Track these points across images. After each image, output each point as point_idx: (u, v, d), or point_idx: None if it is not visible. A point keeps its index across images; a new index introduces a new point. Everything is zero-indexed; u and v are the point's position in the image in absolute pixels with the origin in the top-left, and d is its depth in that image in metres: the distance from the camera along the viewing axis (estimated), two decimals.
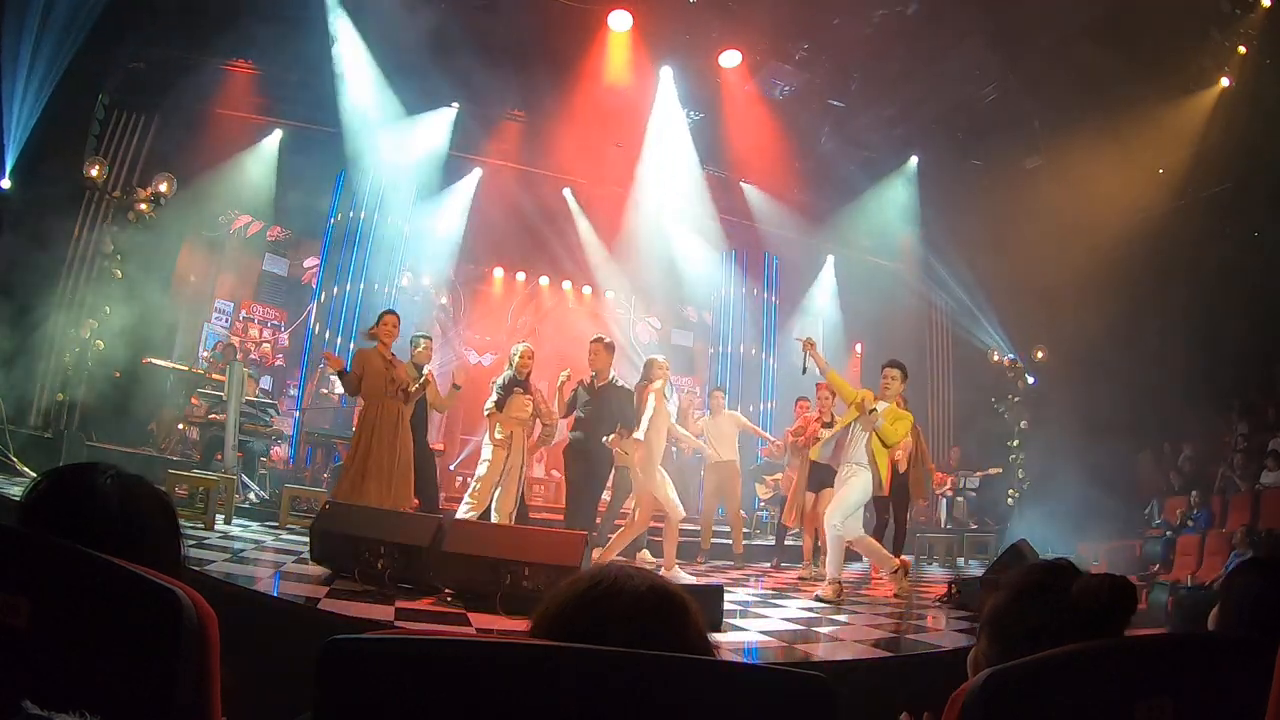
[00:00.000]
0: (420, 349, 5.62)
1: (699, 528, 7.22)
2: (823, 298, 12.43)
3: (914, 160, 11.14)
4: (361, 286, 9.77)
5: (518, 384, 5.66)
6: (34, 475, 1.20)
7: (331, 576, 3.74)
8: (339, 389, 8.31)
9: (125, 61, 8.32)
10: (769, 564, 7.23)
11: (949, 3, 8.38)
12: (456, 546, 3.61)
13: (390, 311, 5.54)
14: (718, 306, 12.23)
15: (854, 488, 4.87)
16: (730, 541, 7.09)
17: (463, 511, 5.39)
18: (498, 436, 5.55)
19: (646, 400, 5.28)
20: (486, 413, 5.65)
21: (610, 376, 5.63)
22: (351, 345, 9.17)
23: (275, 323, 11.21)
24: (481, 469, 5.53)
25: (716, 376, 11.68)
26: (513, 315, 12.58)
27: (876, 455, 4.86)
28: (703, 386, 12.45)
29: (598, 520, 5.95)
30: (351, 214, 9.95)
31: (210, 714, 0.91)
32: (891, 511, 6.88)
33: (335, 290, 9.80)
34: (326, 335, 9.63)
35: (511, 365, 5.73)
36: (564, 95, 9.73)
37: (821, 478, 6.41)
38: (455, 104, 9.93)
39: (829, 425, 6.53)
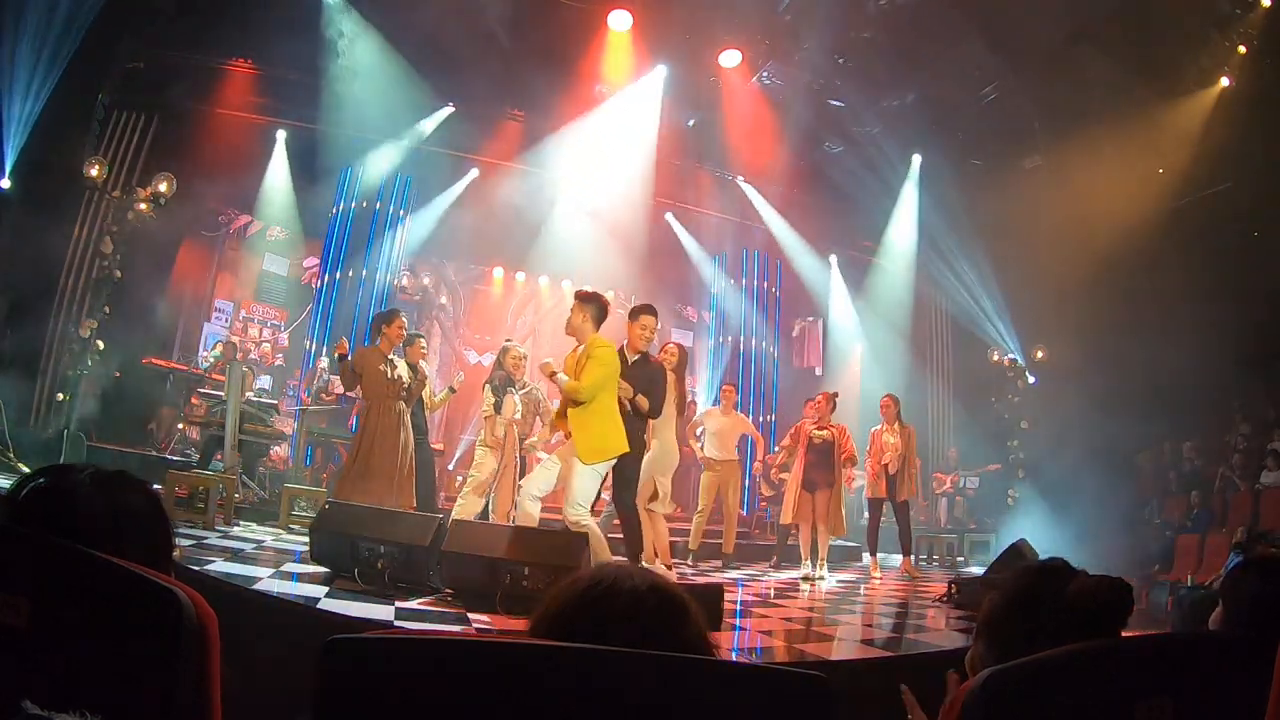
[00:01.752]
0: (414, 347, 5.64)
1: (690, 526, 7.17)
2: (822, 297, 12.42)
3: (914, 160, 11.14)
4: (361, 286, 9.77)
5: (510, 385, 5.66)
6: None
7: (331, 576, 3.74)
8: (338, 388, 8.31)
9: (125, 61, 8.32)
10: (769, 564, 7.24)
11: (950, 3, 8.38)
12: (456, 546, 3.61)
13: (401, 315, 5.54)
14: (718, 306, 12.22)
15: (550, 467, 4.32)
16: (720, 541, 7.09)
17: (455, 515, 5.38)
18: (492, 439, 5.54)
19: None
20: (485, 415, 5.65)
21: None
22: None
23: (275, 323, 11.21)
24: (474, 473, 5.52)
25: (718, 377, 11.67)
26: (513, 315, 12.58)
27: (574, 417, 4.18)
28: (702, 386, 12.44)
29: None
30: (352, 214, 9.95)
31: (210, 714, 0.91)
32: (894, 513, 6.90)
33: (335, 290, 9.80)
34: (327, 336, 9.62)
35: (501, 365, 5.72)
36: (563, 95, 9.73)
37: (815, 477, 6.40)
38: (454, 103, 9.93)
39: (822, 428, 6.54)
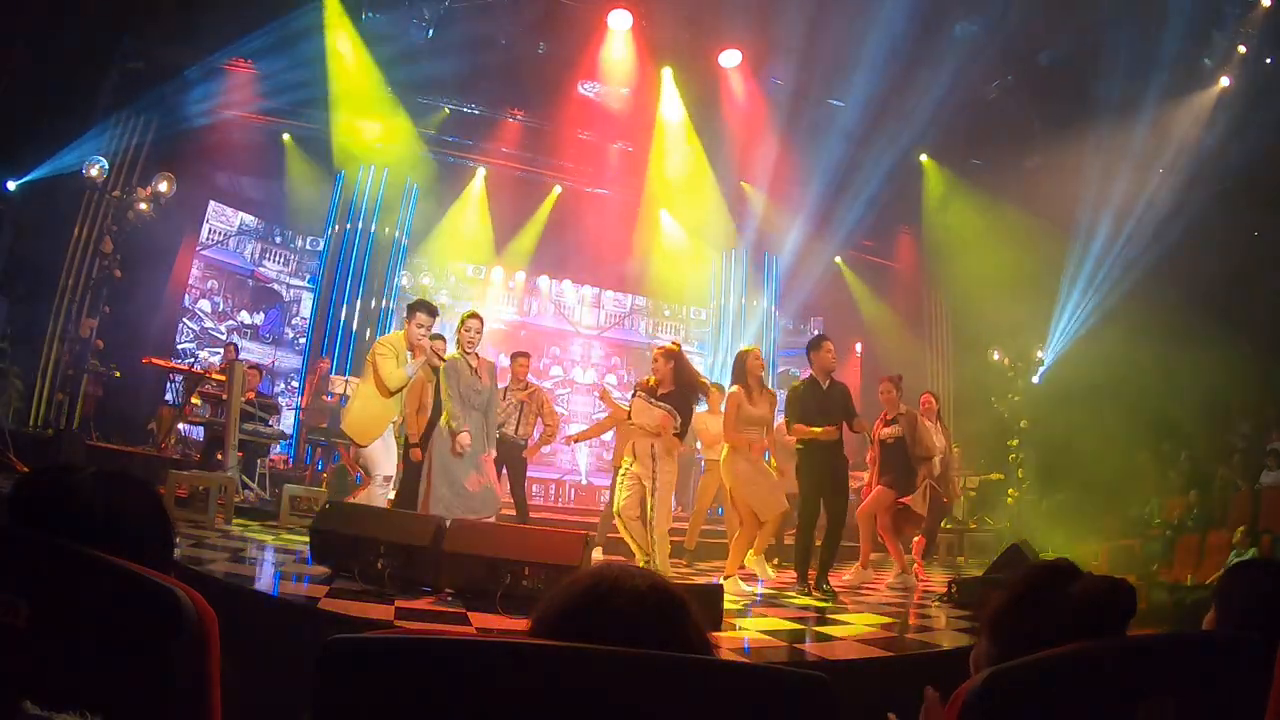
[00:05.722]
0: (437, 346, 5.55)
1: (685, 526, 7.13)
2: (823, 295, 12.42)
3: (915, 159, 11.15)
4: (361, 286, 9.78)
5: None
6: None
7: (331, 576, 3.74)
8: (337, 388, 8.30)
9: (125, 61, 8.32)
10: (769, 564, 7.21)
11: (950, 2, 8.39)
12: (456, 546, 3.61)
13: (473, 315, 4.87)
14: (718, 306, 12.23)
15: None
16: (723, 541, 7.06)
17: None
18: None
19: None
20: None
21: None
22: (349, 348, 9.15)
23: (274, 323, 11.22)
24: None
25: (718, 377, 11.66)
26: (513, 315, 12.58)
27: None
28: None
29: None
30: (351, 214, 9.96)
31: (210, 714, 0.90)
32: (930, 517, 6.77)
33: (335, 290, 9.80)
34: (326, 337, 9.62)
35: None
36: (564, 95, 9.73)
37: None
38: (455, 104, 9.94)
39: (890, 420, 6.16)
